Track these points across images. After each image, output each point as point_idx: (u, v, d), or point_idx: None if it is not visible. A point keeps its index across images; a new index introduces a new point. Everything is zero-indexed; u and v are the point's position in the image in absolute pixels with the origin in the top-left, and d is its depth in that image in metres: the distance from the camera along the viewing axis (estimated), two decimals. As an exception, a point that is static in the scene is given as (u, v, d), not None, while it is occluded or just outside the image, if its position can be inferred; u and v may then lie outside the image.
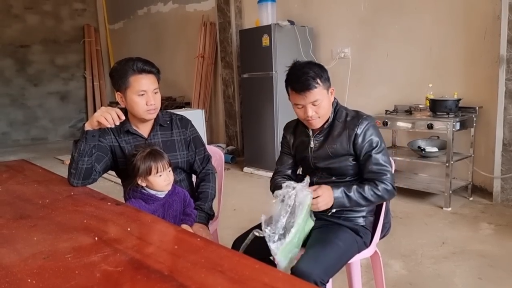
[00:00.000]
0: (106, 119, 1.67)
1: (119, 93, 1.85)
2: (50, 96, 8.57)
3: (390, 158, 1.74)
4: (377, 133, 1.68)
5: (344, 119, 1.70)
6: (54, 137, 8.65)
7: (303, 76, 1.62)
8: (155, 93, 1.85)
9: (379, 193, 1.63)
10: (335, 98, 1.75)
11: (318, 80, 1.63)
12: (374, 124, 1.70)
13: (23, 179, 2.00)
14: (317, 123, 1.70)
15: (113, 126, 1.70)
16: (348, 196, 1.61)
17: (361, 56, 4.49)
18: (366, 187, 1.63)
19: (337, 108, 1.75)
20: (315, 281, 1.40)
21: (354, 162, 1.70)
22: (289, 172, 1.91)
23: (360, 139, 1.65)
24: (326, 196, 1.57)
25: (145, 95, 1.80)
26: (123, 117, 1.71)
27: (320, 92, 1.63)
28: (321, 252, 1.52)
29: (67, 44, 8.61)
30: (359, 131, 1.65)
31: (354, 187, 1.63)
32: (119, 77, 1.81)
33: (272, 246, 1.44)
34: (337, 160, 1.70)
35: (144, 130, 1.92)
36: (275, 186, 1.81)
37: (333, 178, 1.74)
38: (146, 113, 1.83)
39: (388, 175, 1.65)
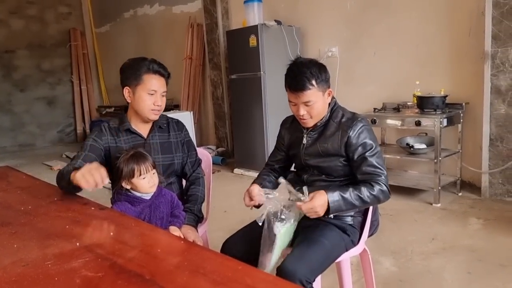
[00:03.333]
0: (88, 181, 1.48)
1: (128, 87, 1.85)
2: (37, 101, 8.46)
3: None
4: (371, 136, 1.65)
5: (339, 120, 1.69)
6: (42, 143, 8.54)
7: (298, 76, 1.60)
8: (163, 95, 1.88)
9: (375, 193, 1.58)
10: (334, 98, 1.74)
11: (314, 82, 1.60)
12: (368, 127, 1.67)
13: (6, 185, 1.96)
14: (310, 123, 1.70)
15: (94, 190, 1.50)
16: (344, 198, 1.55)
17: (349, 55, 4.50)
18: (363, 188, 1.58)
19: (334, 108, 1.72)
20: (300, 280, 1.39)
21: (344, 163, 1.68)
22: (277, 166, 1.94)
23: (353, 142, 1.63)
24: (318, 206, 1.52)
25: (154, 95, 1.83)
26: (107, 180, 1.53)
27: (314, 94, 1.61)
28: (307, 251, 1.51)
29: (53, 48, 8.51)
30: (352, 133, 1.63)
31: (350, 188, 1.58)
32: (132, 72, 1.83)
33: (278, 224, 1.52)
34: (327, 159, 1.69)
35: (143, 130, 1.93)
36: (257, 176, 1.92)
37: (323, 176, 1.73)
38: (151, 113, 1.85)
39: (383, 177, 1.61)
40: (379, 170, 1.62)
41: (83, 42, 8.79)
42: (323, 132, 1.71)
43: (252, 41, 4.60)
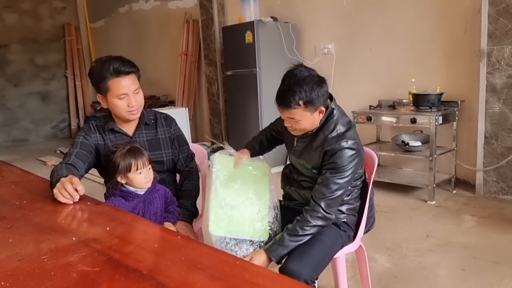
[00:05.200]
0: (64, 196, 1.46)
1: (99, 95, 1.82)
2: (31, 96, 8.38)
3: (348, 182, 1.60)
4: (348, 160, 1.54)
5: (327, 134, 1.59)
6: (35, 138, 8.47)
7: (287, 92, 1.52)
8: (136, 93, 1.81)
9: (312, 224, 1.53)
10: (332, 106, 1.62)
11: (301, 102, 1.50)
12: (352, 152, 1.55)
13: (1, 180, 1.94)
14: (296, 133, 1.66)
15: (73, 201, 1.48)
16: (285, 246, 1.50)
17: (345, 52, 4.50)
18: (297, 227, 1.53)
19: (330, 117, 1.61)
20: (305, 280, 1.40)
21: None
22: (274, 134, 1.96)
23: (326, 158, 1.57)
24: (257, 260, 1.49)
25: (126, 97, 1.77)
26: (82, 192, 1.48)
27: (299, 113, 1.53)
28: (308, 250, 1.51)
29: (47, 43, 8.42)
30: (331, 150, 1.55)
31: (285, 234, 1.52)
32: (97, 80, 1.78)
33: None
34: (308, 169, 1.67)
35: (128, 128, 1.90)
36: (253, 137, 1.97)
37: (306, 178, 1.71)
38: (129, 114, 1.81)
39: (324, 201, 1.53)
40: (325, 192, 1.54)
41: (77, 37, 8.70)
42: (310, 143, 1.65)
43: (248, 37, 4.59)
